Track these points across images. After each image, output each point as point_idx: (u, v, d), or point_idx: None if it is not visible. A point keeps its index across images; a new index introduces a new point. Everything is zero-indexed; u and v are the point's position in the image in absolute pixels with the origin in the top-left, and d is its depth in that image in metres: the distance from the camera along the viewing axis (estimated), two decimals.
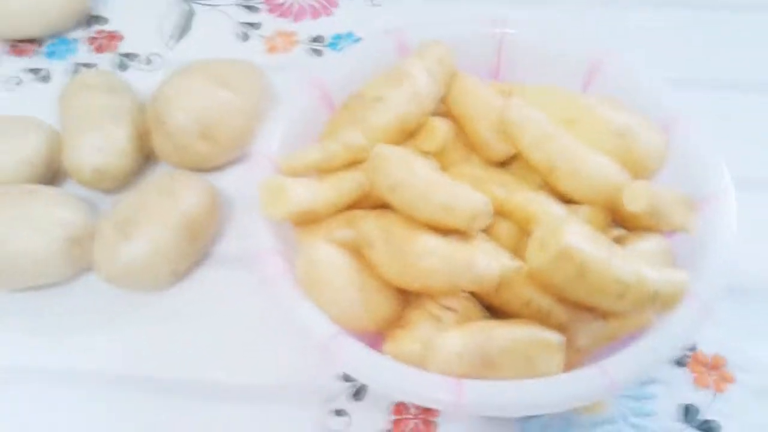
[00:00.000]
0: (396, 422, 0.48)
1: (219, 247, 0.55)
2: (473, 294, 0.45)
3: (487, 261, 0.42)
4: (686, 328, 0.42)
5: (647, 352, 0.41)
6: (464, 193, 0.43)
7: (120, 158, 0.55)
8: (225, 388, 0.49)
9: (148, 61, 0.66)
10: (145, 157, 0.58)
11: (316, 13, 0.68)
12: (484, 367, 0.41)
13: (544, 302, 0.43)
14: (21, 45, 0.67)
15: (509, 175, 0.49)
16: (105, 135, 0.55)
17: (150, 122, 0.56)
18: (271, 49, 0.66)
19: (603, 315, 0.44)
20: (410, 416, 0.48)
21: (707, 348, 0.50)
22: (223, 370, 0.50)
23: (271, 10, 0.69)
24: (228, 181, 0.57)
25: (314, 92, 0.52)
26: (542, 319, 0.43)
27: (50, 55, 0.66)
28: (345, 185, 0.47)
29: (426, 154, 0.49)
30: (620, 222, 0.49)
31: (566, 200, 0.48)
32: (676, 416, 0.48)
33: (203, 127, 0.55)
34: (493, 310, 0.45)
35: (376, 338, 0.45)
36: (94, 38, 0.67)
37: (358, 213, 0.46)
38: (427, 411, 0.48)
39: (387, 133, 0.48)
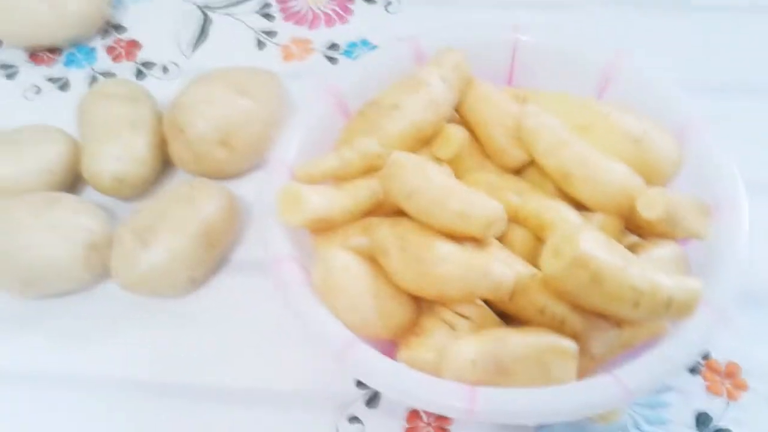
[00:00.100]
0: (409, 430, 0.48)
1: (236, 254, 0.56)
2: (487, 301, 0.45)
3: (502, 268, 0.42)
4: (701, 336, 0.42)
5: (662, 360, 0.41)
6: (480, 201, 0.43)
7: (139, 166, 0.56)
8: (241, 394, 0.50)
9: (165, 70, 0.66)
10: (163, 165, 0.59)
11: (331, 21, 0.69)
12: (498, 374, 0.41)
13: (558, 309, 0.43)
14: (40, 53, 0.68)
15: (524, 182, 0.49)
16: (124, 143, 0.55)
17: (168, 130, 0.57)
18: (287, 57, 0.66)
19: (617, 323, 0.44)
20: (424, 423, 0.48)
21: (720, 355, 0.50)
22: (239, 375, 0.50)
23: (286, 18, 0.69)
24: (245, 188, 0.58)
25: (330, 100, 0.52)
26: (556, 327, 0.43)
27: (69, 63, 0.67)
28: (361, 192, 0.47)
29: (441, 161, 0.49)
30: (634, 229, 0.49)
31: (580, 207, 0.48)
32: (690, 424, 0.48)
33: (222, 134, 0.56)
34: (507, 317, 0.45)
35: (390, 345, 0.45)
36: (112, 47, 0.68)
37: (373, 220, 0.47)
38: (441, 418, 0.48)
39: (403, 140, 0.48)
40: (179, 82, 0.62)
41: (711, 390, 0.49)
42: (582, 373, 0.42)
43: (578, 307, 0.43)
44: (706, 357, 0.50)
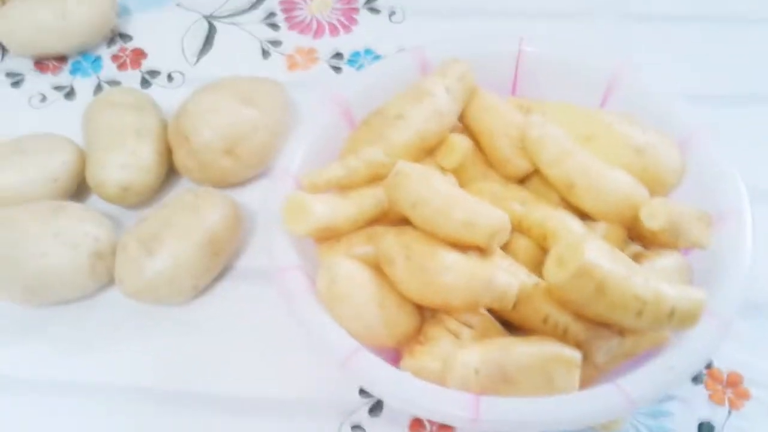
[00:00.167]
0: None
1: (240, 262, 0.56)
2: (491, 310, 0.45)
3: (506, 278, 0.43)
4: (705, 346, 0.42)
5: (665, 370, 0.41)
6: (485, 210, 0.44)
7: (144, 175, 0.56)
8: (244, 402, 0.50)
9: (170, 79, 0.67)
10: (168, 173, 0.59)
11: (335, 31, 0.69)
12: (502, 383, 0.41)
13: (562, 319, 0.43)
14: (46, 61, 0.68)
15: (527, 191, 0.50)
16: (129, 152, 0.56)
17: (173, 138, 0.57)
18: (292, 66, 0.67)
19: (620, 332, 0.44)
20: None
21: (723, 364, 0.50)
22: (242, 383, 0.50)
23: (291, 28, 0.69)
24: (249, 196, 0.58)
25: (335, 109, 0.52)
26: (560, 336, 0.43)
27: (75, 71, 0.68)
28: (366, 201, 0.47)
29: (445, 170, 0.50)
30: (637, 238, 0.49)
31: (584, 216, 0.48)
32: None
33: (227, 143, 0.56)
34: (511, 326, 0.46)
35: (394, 354, 0.45)
36: (118, 55, 0.68)
37: (378, 229, 0.47)
38: (444, 427, 0.48)
39: (407, 150, 0.48)
40: (184, 90, 0.62)
41: (713, 399, 0.49)
42: (584, 382, 0.42)
43: (581, 316, 0.43)
44: (708, 366, 0.50)
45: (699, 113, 0.51)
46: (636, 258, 0.46)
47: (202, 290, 0.54)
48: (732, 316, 0.43)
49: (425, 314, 0.46)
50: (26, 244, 0.51)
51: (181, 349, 0.52)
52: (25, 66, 0.68)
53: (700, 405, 0.49)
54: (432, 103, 0.49)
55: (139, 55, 0.68)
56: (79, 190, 0.58)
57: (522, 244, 0.47)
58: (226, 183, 0.58)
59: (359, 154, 0.48)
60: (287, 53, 0.68)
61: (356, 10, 0.70)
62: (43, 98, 0.66)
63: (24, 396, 0.51)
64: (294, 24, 0.70)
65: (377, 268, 0.45)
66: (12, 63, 0.68)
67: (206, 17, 0.71)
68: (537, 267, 0.46)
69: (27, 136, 0.58)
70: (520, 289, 0.43)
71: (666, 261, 0.46)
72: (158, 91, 0.65)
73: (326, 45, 0.68)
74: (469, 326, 0.44)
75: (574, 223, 0.47)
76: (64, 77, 0.67)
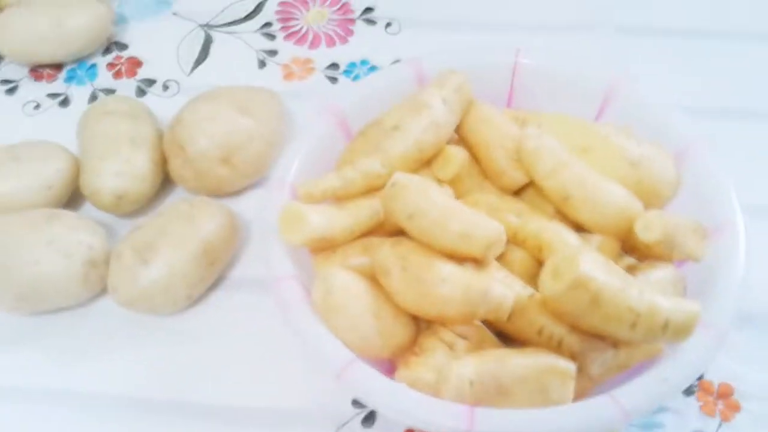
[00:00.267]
0: None
1: (234, 271, 0.56)
2: (485, 321, 0.45)
3: (502, 289, 0.43)
4: (698, 358, 0.42)
5: (659, 381, 0.41)
6: (481, 222, 0.44)
7: (139, 183, 0.56)
8: (237, 412, 0.50)
9: (165, 87, 0.67)
10: (163, 182, 0.59)
11: (331, 41, 0.69)
12: (497, 394, 0.41)
13: (557, 330, 0.43)
14: (40, 69, 0.68)
15: (523, 203, 0.50)
16: (124, 160, 0.56)
17: (168, 147, 0.57)
18: (288, 76, 0.67)
19: (614, 344, 0.44)
20: None
21: (714, 376, 0.50)
22: (236, 393, 0.50)
23: (287, 38, 0.70)
24: (244, 205, 0.58)
25: (332, 119, 0.52)
26: (554, 347, 0.43)
27: (69, 80, 0.68)
28: (362, 212, 0.47)
29: (441, 181, 0.50)
30: (631, 251, 0.49)
31: (579, 229, 0.48)
32: None
33: (224, 152, 0.56)
34: (505, 337, 0.46)
35: (389, 365, 0.45)
36: (113, 64, 0.68)
37: (374, 240, 0.47)
38: None
39: (404, 161, 0.49)
40: (180, 99, 0.62)
41: (705, 411, 0.49)
42: (579, 394, 0.42)
43: (576, 328, 0.43)
44: (700, 378, 0.50)
45: (694, 126, 0.51)
46: (630, 270, 0.46)
47: (196, 300, 0.54)
48: (726, 329, 0.43)
49: (420, 325, 0.46)
50: (19, 251, 0.51)
51: (175, 358, 0.52)
52: (19, 73, 0.68)
53: (691, 417, 0.49)
54: (429, 115, 0.49)
55: (134, 63, 0.68)
56: (73, 198, 0.58)
57: (517, 255, 0.47)
58: (221, 192, 0.58)
59: (356, 165, 0.48)
60: (283, 63, 0.68)
61: (352, 21, 0.71)
62: (38, 106, 0.66)
63: (16, 404, 0.51)
64: (290, 34, 0.70)
65: (373, 279, 0.45)
66: (7, 70, 0.68)
67: (203, 26, 0.71)
68: (532, 279, 0.46)
69: (21, 143, 0.58)
70: (515, 301, 0.43)
71: (660, 273, 0.47)
72: (153, 100, 0.65)
73: (322, 55, 0.68)
74: (464, 338, 0.44)
75: (570, 235, 0.47)
76: (58, 85, 0.67)
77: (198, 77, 0.67)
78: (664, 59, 0.67)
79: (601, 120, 0.54)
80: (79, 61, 0.68)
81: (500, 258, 0.46)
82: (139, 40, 0.70)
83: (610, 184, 0.48)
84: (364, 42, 0.69)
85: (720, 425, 0.49)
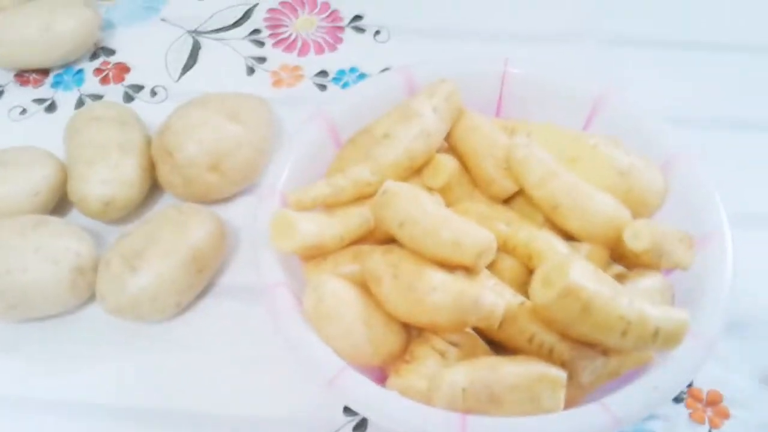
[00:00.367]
0: None
1: (223, 278, 0.56)
2: (476, 329, 0.45)
3: (492, 297, 0.43)
4: (688, 366, 0.42)
5: (650, 389, 0.41)
6: (472, 230, 0.44)
7: (127, 190, 0.55)
8: (227, 420, 0.49)
9: (153, 93, 0.66)
10: (151, 188, 0.58)
11: (320, 49, 0.69)
12: (489, 402, 0.41)
13: (547, 338, 0.44)
14: (27, 74, 0.68)
15: (513, 211, 0.50)
16: (112, 166, 0.55)
17: (157, 153, 0.57)
18: (277, 83, 0.67)
19: (605, 352, 0.44)
20: None
21: (703, 383, 0.51)
22: (226, 401, 0.50)
23: (276, 45, 0.70)
24: (233, 212, 0.58)
25: (322, 125, 0.52)
26: (544, 355, 0.44)
27: (56, 85, 0.67)
28: (352, 220, 0.47)
29: (431, 189, 0.50)
30: (619, 259, 0.49)
31: (568, 237, 0.49)
32: None
33: (212, 159, 0.56)
34: (496, 345, 0.46)
35: (380, 373, 0.45)
36: (100, 69, 0.68)
37: (364, 248, 0.47)
38: None
39: (395, 169, 0.49)
40: (167, 105, 0.62)
41: (694, 418, 0.50)
42: (569, 402, 0.43)
43: (567, 336, 0.43)
44: (689, 385, 0.51)
45: (682, 135, 0.52)
46: (619, 278, 0.47)
47: (185, 307, 0.53)
48: (715, 337, 0.43)
49: (411, 333, 0.46)
50: (6, 258, 0.50)
51: (164, 366, 0.52)
52: (5, 78, 0.68)
53: (681, 424, 0.49)
54: (419, 123, 0.49)
55: (122, 69, 0.68)
56: (60, 204, 0.58)
57: (507, 264, 0.48)
58: (210, 199, 0.58)
59: (346, 173, 0.48)
60: (272, 70, 0.68)
61: (341, 28, 0.71)
62: (24, 111, 0.66)
63: (3, 413, 0.50)
64: (279, 41, 0.70)
65: (364, 286, 0.45)
66: None
67: (191, 32, 0.71)
68: (522, 287, 0.46)
69: (7, 149, 0.58)
70: (506, 309, 0.44)
71: (649, 282, 0.47)
72: (141, 105, 0.65)
73: (311, 63, 0.68)
74: (456, 345, 0.44)
75: (559, 244, 0.47)
76: (45, 90, 0.67)
77: (186, 83, 0.67)
78: (653, 69, 0.67)
79: (589, 129, 0.54)
80: (66, 66, 0.68)
81: (490, 266, 0.46)
82: (126, 46, 0.70)
83: (598, 193, 0.48)
84: (353, 50, 0.69)
85: None
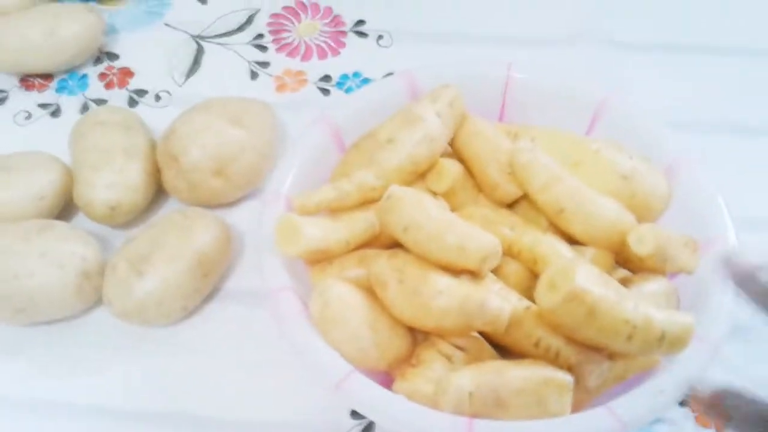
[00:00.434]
0: None
1: (228, 283, 0.56)
2: (482, 333, 0.45)
3: (498, 301, 0.43)
4: (694, 370, 0.42)
5: (655, 393, 0.42)
6: (477, 234, 0.44)
7: (132, 194, 0.56)
8: (232, 425, 0.49)
9: (157, 98, 0.67)
10: (156, 193, 0.59)
11: (323, 53, 0.69)
12: (495, 406, 0.41)
13: (553, 342, 0.44)
14: (31, 79, 0.68)
15: (517, 216, 0.50)
16: (117, 171, 0.55)
17: (162, 158, 0.57)
18: (280, 88, 0.67)
19: (611, 356, 0.44)
20: None
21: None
22: (231, 406, 0.50)
23: (279, 50, 0.70)
24: (238, 216, 0.58)
25: (326, 130, 0.53)
26: (551, 359, 0.44)
27: (61, 90, 0.67)
28: (357, 225, 0.48)
29: (435, 194, 0.50)
30: (624, 263, 0.49)
31: (572, 241, 0.49)
32: None
33: (217, 164, 0.56)
34: (502, 349, 0.46)
35: (386, 377, 0.45)
36: (104, 74, 0.68)
37: (369, 252, 0.47)
38: None
39: (399, 174, 0.49)
40: (171, 110, 0.62)
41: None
42: (576, 406, 0.43)
43: (572, 340, 0.44)
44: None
45: (685, 140, 0.52)
46: (623, 283, 0.47)
47: (191, 311, 0.53)
48: (720, 341, 0.43)
49: (417, 337, 0.46)
50: (12, 262, 0.50)
51: (170, 370, 0.52)
52: (9, 83, 0.68)
53: (687, 427, 0.49)
54: (423, 128, 0.50)
55: (126, 74, 0.68)
56: (65, 208, 0.58)
57: (512, 268, 0.48)
58: (214, 203, 0.58)
59: (351, 178, 0.48)
60: (276, 74, 0.68)
61: (344, 33, 0.71)
62: (29, 116, 0.66)
63: (10, 416, 0.50)
64: (282, 46, 0.70)
65: (369, 291, 0.45)
66: None
67: (194, 37, 0.71)
68: (527, 291, 0.46)
69: (12, 153, 0.58)
70: (511, 313, 0.44)
71: (653, 286, 0.47)
72: (145, 110, 0.65)
73: (315, 67, 0.68)
74: (462, 349, 0.44)
75: (564, 248, 0.47)
76: (49, 95, 0.67)
77: (190, 88, 0.67)
78: (655, 73, 0.67)
79: (592, 134, 0.55)
80: (70, 71, 0.68)
81: (495, 270, 0.47)
82: (130, 51, 0.70)
83: (602, 197, 0.48)
84: (355, 54, 0.69)
85: None
